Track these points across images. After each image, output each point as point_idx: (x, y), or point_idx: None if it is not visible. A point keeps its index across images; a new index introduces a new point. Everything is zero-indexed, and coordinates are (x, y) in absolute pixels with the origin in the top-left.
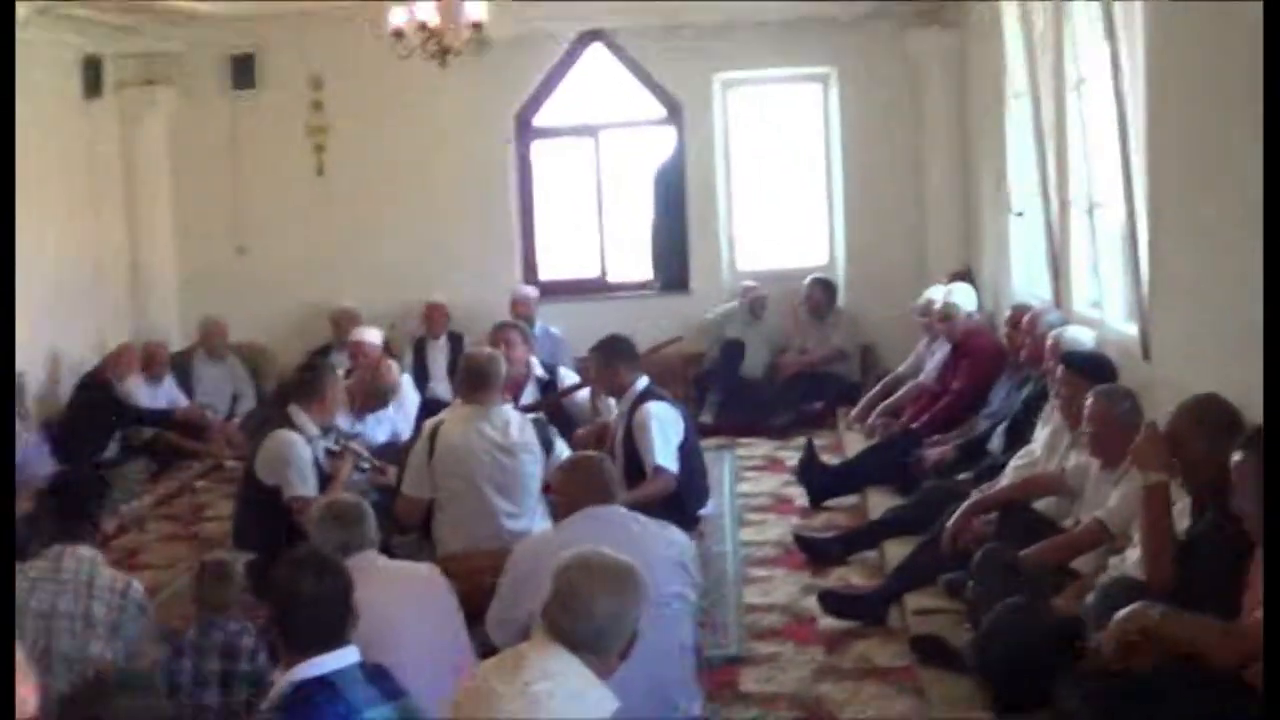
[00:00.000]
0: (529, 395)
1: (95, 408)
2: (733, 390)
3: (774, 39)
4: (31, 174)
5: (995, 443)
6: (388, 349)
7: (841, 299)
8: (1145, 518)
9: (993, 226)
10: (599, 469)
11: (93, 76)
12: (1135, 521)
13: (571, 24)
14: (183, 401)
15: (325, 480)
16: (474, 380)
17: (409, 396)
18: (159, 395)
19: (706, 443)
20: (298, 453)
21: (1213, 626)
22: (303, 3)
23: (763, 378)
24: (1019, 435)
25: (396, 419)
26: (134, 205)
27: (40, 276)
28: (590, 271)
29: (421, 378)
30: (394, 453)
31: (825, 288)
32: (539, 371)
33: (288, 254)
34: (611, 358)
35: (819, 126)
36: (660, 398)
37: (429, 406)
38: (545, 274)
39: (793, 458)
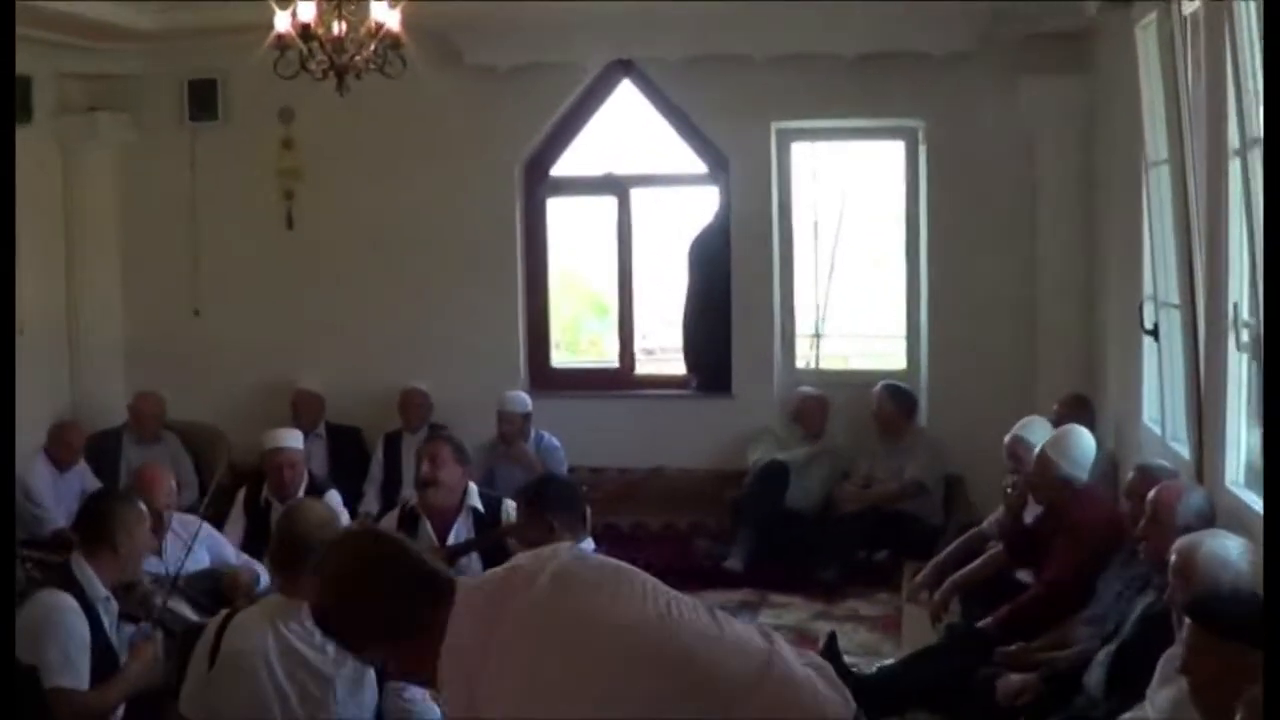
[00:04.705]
0: (459, 532)
1: None
2: (772, 528)
3: (849, 80)
4: None
5: (1094, 676)
6: None
7: (923, 416)
8: None
9: (1120, 341)
10: None
11: (18, 99)
12: None
13: (597, 53)
14: None
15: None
16: (290, 555)
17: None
18: (67, 487)
19: (729, 597)
20: (65, 624)
21: None
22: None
23: (815, 514)
24: (1128, 674)
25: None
26: (73, 254)
27: None
28: (611, 361)
29: (393, 479)
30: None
31: (900, 399)
32: (475, 502)
33: (248, 320)
34: (543, 508)
35: (902, 194)
36: None
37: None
38: (556, 360)
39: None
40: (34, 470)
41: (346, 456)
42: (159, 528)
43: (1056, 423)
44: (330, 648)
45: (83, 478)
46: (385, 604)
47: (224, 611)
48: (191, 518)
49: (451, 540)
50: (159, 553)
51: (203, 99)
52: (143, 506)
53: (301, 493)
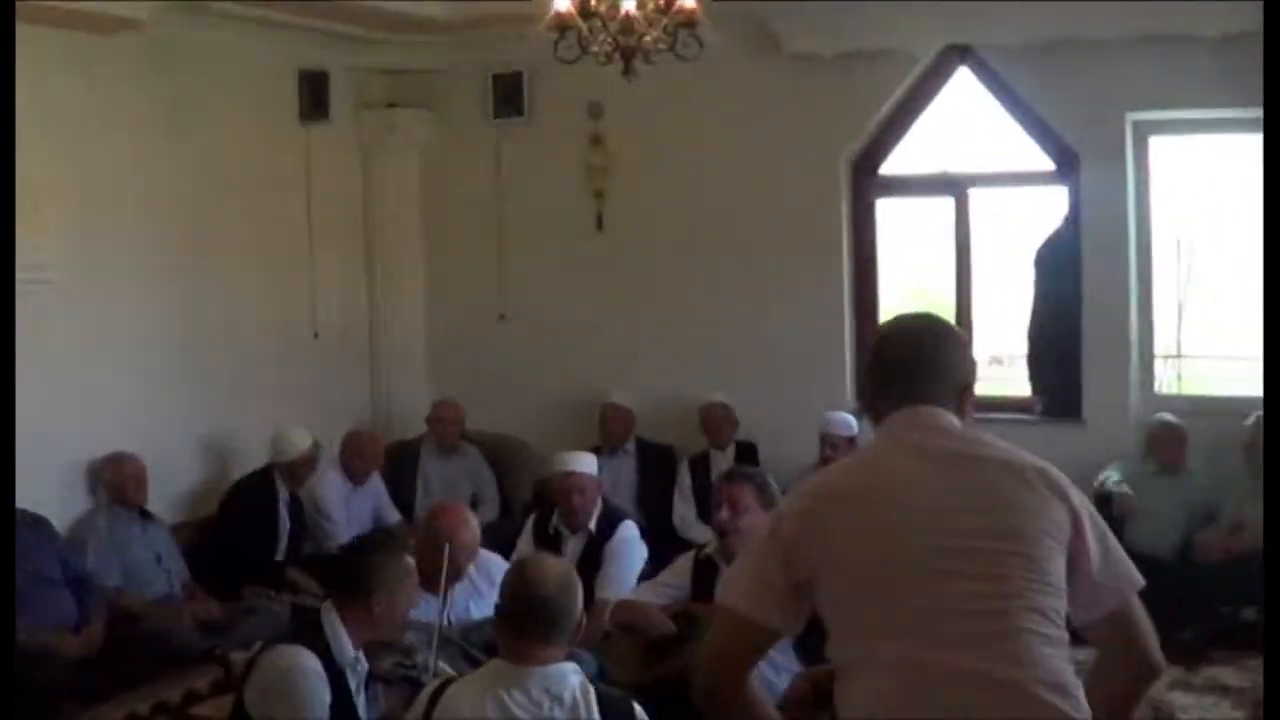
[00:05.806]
0: None
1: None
2: None
3: (1214, 64)
4: (223, 215)
5: None
6: None
7: None
8: None
9: None
10: None
11: (314, 96)
12: None
13: (930, 38)
14: (390, 516)
15: None
16: (519, 616)
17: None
18: (360, 502)
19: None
20: (304, 689)
21: None
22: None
23: (1171, 561)
24: None
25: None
26: (373, 257)
27: (244, 346)
28: None
29: (702, 504)
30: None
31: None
32: None
33: (555, 327)
34: None
35: None
36: None
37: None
38: None
39: (1194, 709)
40: (326, 480)
41: (657, 476)
42: (455, 578)
43: None
44: (558, 715)
45: (377, 496)
46: (875, 376)
47: (439, 679)
48: (485, 555)
49: None
50: (445, 599)
51: (508, 94)
52: (410, 561)
53: (594, 522)
